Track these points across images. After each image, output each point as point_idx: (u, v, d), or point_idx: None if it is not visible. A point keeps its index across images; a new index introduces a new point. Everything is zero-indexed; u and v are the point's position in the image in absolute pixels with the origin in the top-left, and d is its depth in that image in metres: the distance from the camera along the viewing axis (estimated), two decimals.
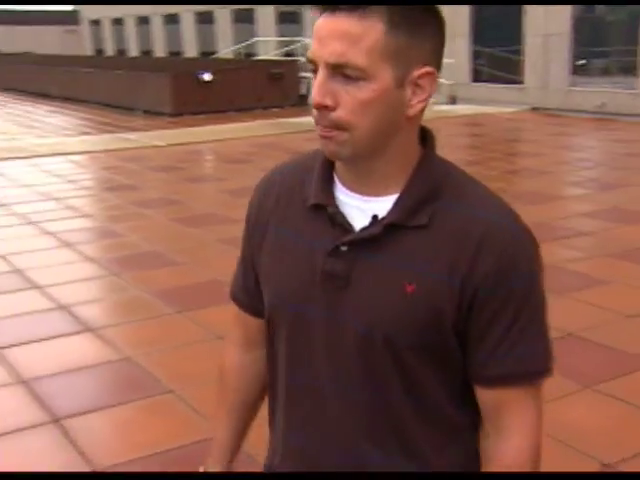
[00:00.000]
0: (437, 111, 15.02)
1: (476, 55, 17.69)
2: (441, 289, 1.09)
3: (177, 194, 8.72)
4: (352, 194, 1.16)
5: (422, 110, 1.12)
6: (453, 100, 17.60)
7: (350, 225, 1.14)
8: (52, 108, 20.12)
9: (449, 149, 11.71)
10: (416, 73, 1.08)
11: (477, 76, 17.79)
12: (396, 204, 1.12)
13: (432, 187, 1.13)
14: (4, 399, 3.81)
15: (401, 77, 1.07)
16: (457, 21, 17.25)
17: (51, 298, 5.27)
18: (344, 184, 1.17)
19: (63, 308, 5.08)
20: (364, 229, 1.13)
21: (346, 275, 1.12)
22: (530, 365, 1.14)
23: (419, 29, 1.07)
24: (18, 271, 5.90)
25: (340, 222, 1.14)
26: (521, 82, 16.77)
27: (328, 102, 1.07)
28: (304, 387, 1.19)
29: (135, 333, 4.68)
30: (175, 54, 29.26)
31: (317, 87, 1.07)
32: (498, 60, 17.45)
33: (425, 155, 1.15)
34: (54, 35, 46.34)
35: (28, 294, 5.38)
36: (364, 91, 1.06)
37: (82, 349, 4.43)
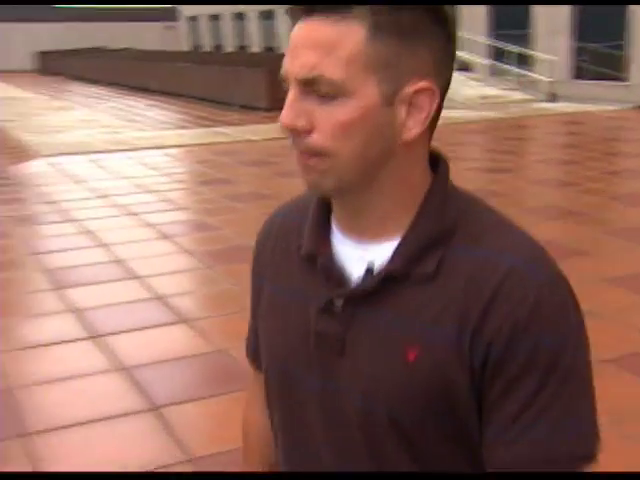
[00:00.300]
0: (536, 109, 14.67)
1: (578, 52, 17.16)
2: (449, 353, 0.90)
3: (269, 188, 8.84)
4: (348, 238, 0.98)
5: (425, 134, 0.93)
6: (553, 97, 17.13)
7: (346, 277, 0.97)
8: (152, 102, 20.74)
9: (546, 148, 11.40)
10: (410, 89, 0.89)
11: (579, 73, 17.25)
12: (396, 250, 0.94)
13: (442, 227, 0.94)
14: (105, 385, 3.96)
15: (390, 93, 0.88)
16: (557, 18, 16.77)
17: (149, 288, 5.46)
18: (340, 227, 0.99)
19: (160, 299, 5.24)
20: (359, 283, 0.95)
21: (341, 337, 0.96)
22: (556, 448, 0.88)
23: (414, 34, 0.88)
24: (119, 261, 6.13)
25: (334, 274, 0.97)
26: (626, 79, 16.15)
27: (301, 124, 0.89)
28: (299, 452, 1.06)
29: (227, 326, 4.78)
30: (270, 49, 29.65)
31: (287, 107, 0.89)
32: (601, 57, 16.86)
33: (434, 188, 0.96)
34: (153, 31, 47.77)
35: (128, 284, 5.58)
36: (344, 110, 0.88)
37: (178, 339, 4.56)
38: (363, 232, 0.97)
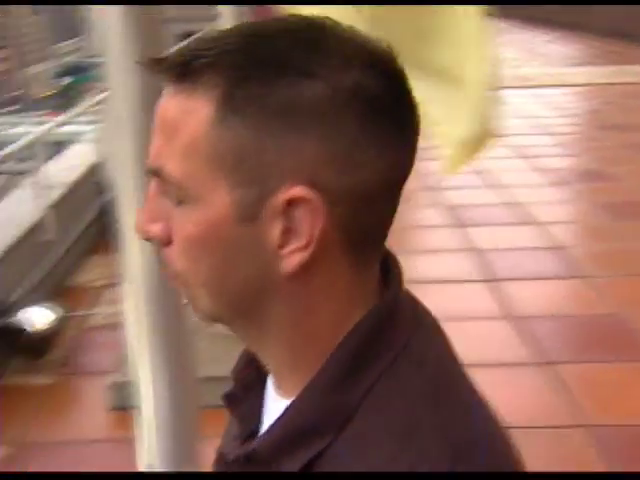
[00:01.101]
0: None
1: None
2: None
3: None
4: (270, 382, 0.74)
5: (332, 260, 0.63)
6: None
7: (253, 428, 0.73)
8: (553, 36, 19.98)
9: None
10: (281, 198, 0.60)
11: None
12: (270, 427, 0.67)
13: (331, 410, 0.64)
14: (495, 331, 3.99)
15: (250, 203, 0.61)
16: None
17: (546, 236, 5.31)
18: None
19: (557, 249, 5.08)
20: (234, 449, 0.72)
21: None
22: None
23: (287, 115, 0.60)
24: (516, 204, 6.05)
25: (242, 416, 0.75)
26: None
27: (156, 231, 0.66)
28: None
29: (624, 288, 4.44)
30: None
31: (144, 204, 0.67)
32: None
33: (348, 341, 0.65)
34: None
35: (525, 229, 5.50)
36: (190, 221, 0.63)
37: (572, 295, 4.42)
38: (272, 376, 0.72)
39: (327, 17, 0.63)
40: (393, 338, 0.66)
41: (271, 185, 0.60)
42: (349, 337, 0.65)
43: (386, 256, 0.70)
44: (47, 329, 3.68)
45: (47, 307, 3.80)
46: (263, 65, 0.59)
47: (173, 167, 0.62)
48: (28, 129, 5.96)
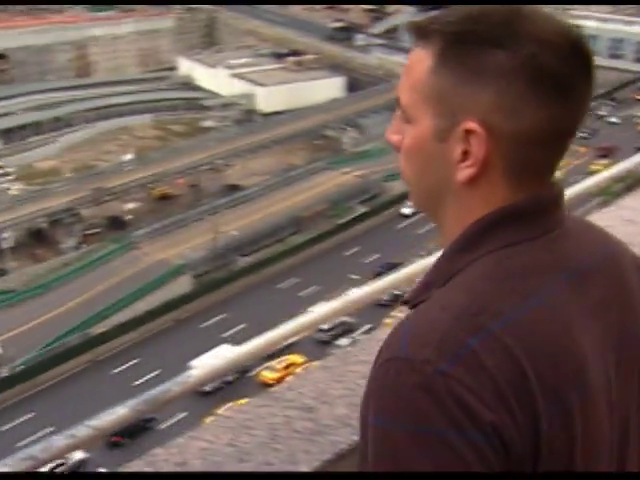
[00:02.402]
0: None
1: None
2: None
3: None
4: None
5: (494, 179, 0.93)
6: None
7: None
8: None
9: None
10: (461, 127, 0.91)
11: None
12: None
13: (443, 271, 0.96)
14: None
15: (444, 129, 0.93)
16: None
17: None
18: None
19: None
20: None
21: None
22: None
23: (479, 72, 0.89)
24: None
25: None
26: None
27: (393, 140, 1.00)
28: None
29: None
30: None
31: (392, 121, 1.01)
32: None
33: (466, 232, 0.95)
34: None
35: None
36: (407, 136, 0.97)
37: None
38: None
39: (529, 6, 0.91)
40: (496, 238, 0.93)
41: (458, 118, 0.91)
42: (468, 228, 0.95)
43: (555, 191, 0.97)
44: None
45: None
46: (471, 35, 0.90)
47: (403, 96, 0.96)
48: None
